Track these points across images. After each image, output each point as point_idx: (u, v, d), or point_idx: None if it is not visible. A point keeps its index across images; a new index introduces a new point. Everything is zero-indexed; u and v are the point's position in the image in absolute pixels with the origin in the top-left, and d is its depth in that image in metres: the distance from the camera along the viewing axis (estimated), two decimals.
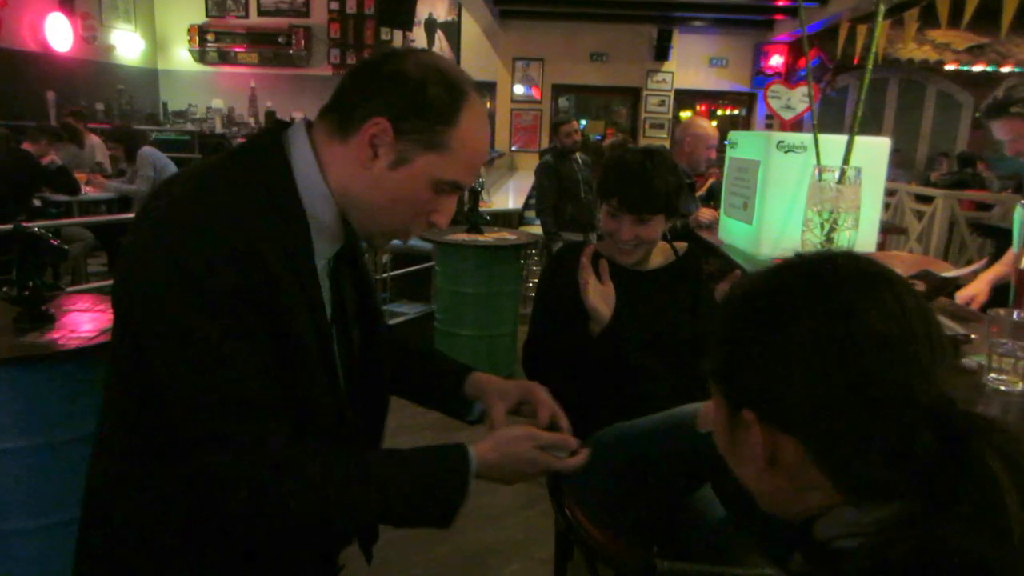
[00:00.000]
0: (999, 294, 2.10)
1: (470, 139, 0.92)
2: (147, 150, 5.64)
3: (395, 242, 1.02)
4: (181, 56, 10.84)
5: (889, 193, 5.92)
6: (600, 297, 1.47)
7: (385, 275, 4.83)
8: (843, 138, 2.18)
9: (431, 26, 10.60)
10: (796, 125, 7.70)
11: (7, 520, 1.88)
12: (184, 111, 10.42)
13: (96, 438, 0.97)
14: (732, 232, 2.79)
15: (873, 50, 2.09)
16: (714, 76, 10.27)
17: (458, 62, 10.53)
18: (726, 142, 2.95)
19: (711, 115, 10.61)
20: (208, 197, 0.85)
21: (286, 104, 10.37)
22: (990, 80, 8.83)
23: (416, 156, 0.90)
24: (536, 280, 5.83)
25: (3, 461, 1.85)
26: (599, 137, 10.01)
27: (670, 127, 10.13)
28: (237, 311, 0.81)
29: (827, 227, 2.07)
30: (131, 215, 4.45)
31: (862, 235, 2.20)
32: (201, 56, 10.76)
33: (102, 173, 6.07)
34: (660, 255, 1.71)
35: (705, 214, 3.32)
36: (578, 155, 5.14)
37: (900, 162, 8.48)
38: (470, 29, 10.30)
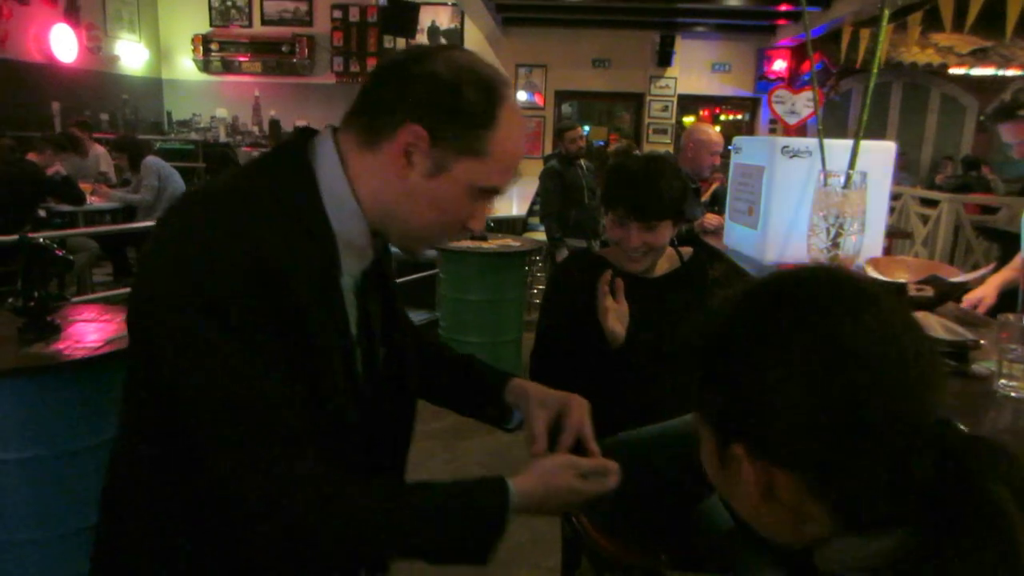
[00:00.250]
0: (1006, 298, 2.09)
1: (508, 142, 0.87)
2: (151, 160, 5.65)
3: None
4: (185, 66, 10.88)
5: (894, 197, 5.90)
6: (618, 319, 1.47)
7: None
8: (848, 143, 2.18)
9: (434, 34, 10.64)
10: (800, 130, 7.69)
11: (13, 530, 1.87)
12: (188, 120, 10.43)
13: (113, 447, 0.95)
14: (737, 237, 2.78)
15: (878, 54, 2.09)
16: (717, 81, 10.28)
17: None
18: (730, 147, 2.95)
19: (714, 120, 10.61)
20: (229, 215, 0.80)
21: (290, 113, 10.40)
22: (994, 83, 8.82)
23: (454, 163, 0.85)
24: (540, 287, 5.85)
25: (9, 471, 1.85)
26: (602, 143, 10.02)
27: (673, 132, 10.14)
28: (262, 336, 0.78)
29: (833, 232, 2.06)
30: (136, 224, 4.46)
31: (868, 240, 2.19)
32: (205, 65, 10.78)
33: (107, 183, 6.07)
34: (666, 261, 1.70)
35: (711, 220, 3.31)
36: (583, 161, 5.14)
37: (904, 166, 8.47)
38: (473, 36, 10.32)
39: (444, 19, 10.61)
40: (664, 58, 9.86)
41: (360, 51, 10.66)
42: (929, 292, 1.78)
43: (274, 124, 10.27)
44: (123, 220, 5.63)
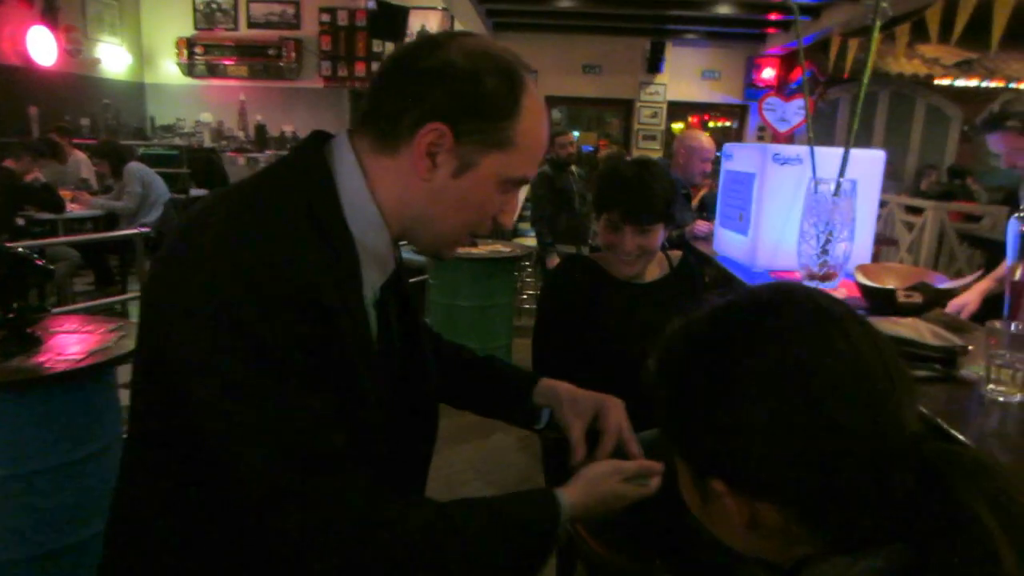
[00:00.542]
0: (988, 304, 2.13)
1: (533, 129, 0.82)
2: (134, 165, 5.53)
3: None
4: (169, 69, 10.68)
5: (880, 204, 5.96)
6: None
7: None
8: (838, 150, 2.20)
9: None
10: (787, 138, 7.76)
11: None
12: (172, 125, 10.27)
13: (123, 463, 0.89)
14: (728, 243, 2.80)
15: (869, 64, 2.12)
16: (707, 88, 10.35)
17: None
18: (719, 153, 2.97)
19: (703, 127, 10.68)
20: (253, 230, 0.75)
21: (277, 117, 10.34)
22: (979, 95, 8.94)
23: (480, 158, 0.80)
24: (530, 292, 5.86)
25: None
26: (591, 148, 10.06)
27: (663, 138, 10.20)
28: (297, 358, 0.73)
29: (823, 239, 2.08)
30: (118, 232, 4.36)
31: (857, 247, 2.21)
32: (189, 69, 10.60)
33: (87, 190, 5.93)
34: (656, 266, 1.72)
35: (701, 226, 3.34)
36: (573, 167, 5.16)
37: (890, 174, 8.53)
38: None
39: (433, 23, 10.60)
40: (654, 65, 9.92)
41: (348, 55, 10.59)
42: (918, 299, 1.80)
43: (260, 129, 10.21)
44: (104, 228, 5.50)
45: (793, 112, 7.32)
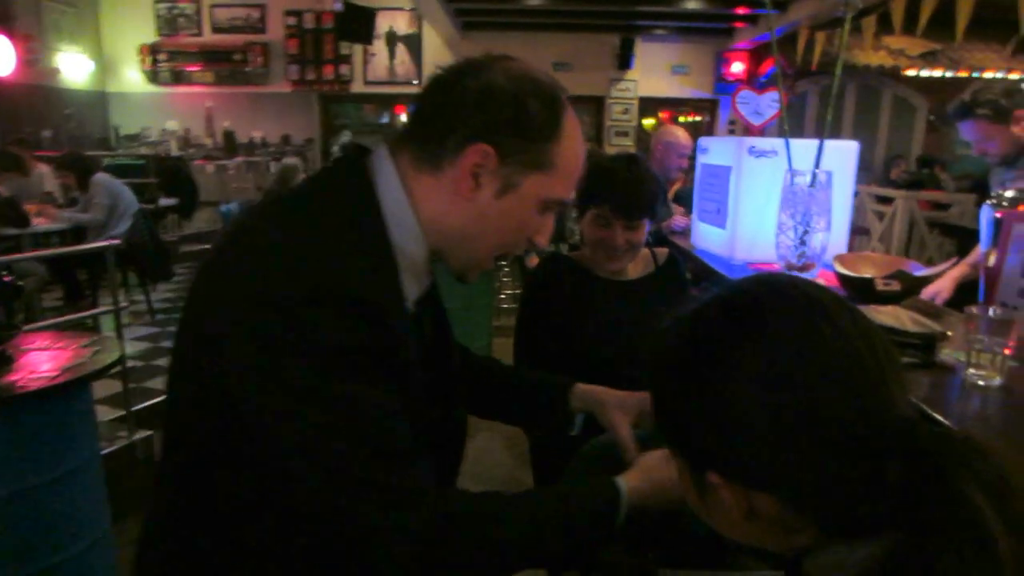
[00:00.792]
0: (961, 290, 2.17)
1: (572, 151, 0.86)
2: (101, 176, 5.39)
3: None
4: (132, 77, 10.47)
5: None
6: None
7: None
8: (812, 142, 2.22)
9: (392, 39, 10.56)
10: (759, 131, 7.83)
11: None
12: (137, 135, 10.03)
13: (157, 477, 0.88)
14: (706, 237, 2.81)
15: (841, 56, 2.14)
16: (677, 83, 10.41)
17: (420, 75, 10.52)
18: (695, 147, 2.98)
19: (674, 122, 10.75)
20: (302, 235, 0.76)
21: (245, 123, 10.19)
22: (944, 85, 9.11)
23: (522, 179, 0.83)
24: (508, 292, 5.84)
25: None
26: None
27: (635, 135, 10.24)
28: (358, 356, 0.74)
29: (801, 231, 2.09)
30: (87, 246, 4.24)
31: (834, 236, 2.23)
32: (153, 77, 10.41)
33: (52, 203, 5.78)
34: (640, 263, 1.71)
35: (679, 220, 3.35)
36: None
37: (859, 164, 8.66)
38: (431, 41, 10.29)
39: (402, 24, 10.54)
40: (624, 61, 9.96)
41: (316, 58, 10.49)
42: (896, 286, 1.82)
43: (228, 135, 10.06)
44: (72, 241, 5.35)
45: (766, 105, 7.40)
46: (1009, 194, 1.72)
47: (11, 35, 8.07)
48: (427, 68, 10.57)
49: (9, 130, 7.49)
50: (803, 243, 2.11)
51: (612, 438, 1.36)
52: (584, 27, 9.81)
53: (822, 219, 2.09)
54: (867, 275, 1.89)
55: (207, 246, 7.70)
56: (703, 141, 2.90)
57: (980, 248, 1.94)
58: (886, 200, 6.27)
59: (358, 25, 7.84)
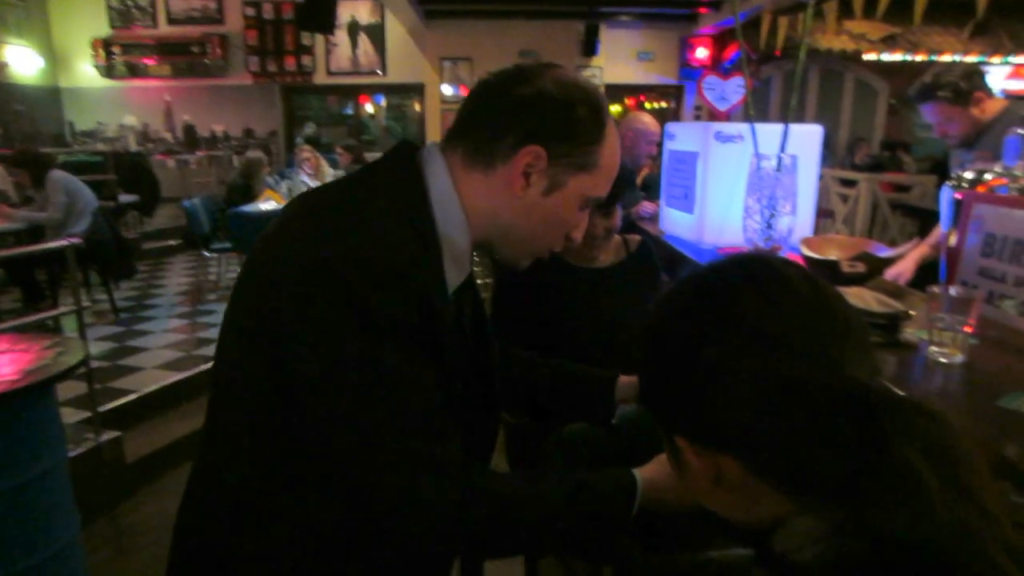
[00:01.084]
0: (922, 271, 2.21)
1: (612, 153, 0.93)
2: (57, 174, 5.19)
3: None
4: (85, 72, 10.16)
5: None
6: None
7: None
8: (777, 127, 2.24)
9: (354, 29, 10.42)
10: (725, 116, 7.90)
11: None
12: (93, 130, 9.74)
13: (195, 478, 0.93)
14: (675, 222, 2.83)
15: (805, 41, 2.16)
16: (642, 70, 10.46)
17: (383, 64, 10.40)
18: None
19: (640, 107, 10.79)
20: (359, 220, 0.82)
21: (205, 116, 9.97)
22: (903, 68, 9.28)
23: (568, 179, 0.89)
24: (478, 281, 5.81)
25: None
26: None
27: None
28: (408, 336, 0.80)
29: (768, 214, 2.12)
30: (45, 246, 4.12)
31: (800, 219, 2.27)
32: (108, 71, 10.11)
33: (6, 202, 5.58)
34: (612, 251, 1.72)
35: (647, 207, 3.37)
36: None
37: (823, 148, 8.80)
38: (395, 30, 10.17)
39: (364, 13, 10.40)
40: (589, 48, 9.97)
41: (277, 49, 10.30)
42: (861, 268, 1.85)
43: (189, 129, 9.83)
44: (29, 242, 5.10)
45: (732, 90, 7.46)
46: (969, 175, 1.76)
47: None
48: (391, 57, 10.44)
49: None
50: (770, 226, 2.13)
51: (584, 427, 1.37)
52: (549, 14, 9.79)
53: (788, 203, 2.12)
54: (833, 257, 1.92)
55: (170, 242, 7.58)
56: (670, 127, 2.92)
57: (941, 229, 1.98)
58: (850, 183, 6.38)
59: (319, 14, 7.69)
